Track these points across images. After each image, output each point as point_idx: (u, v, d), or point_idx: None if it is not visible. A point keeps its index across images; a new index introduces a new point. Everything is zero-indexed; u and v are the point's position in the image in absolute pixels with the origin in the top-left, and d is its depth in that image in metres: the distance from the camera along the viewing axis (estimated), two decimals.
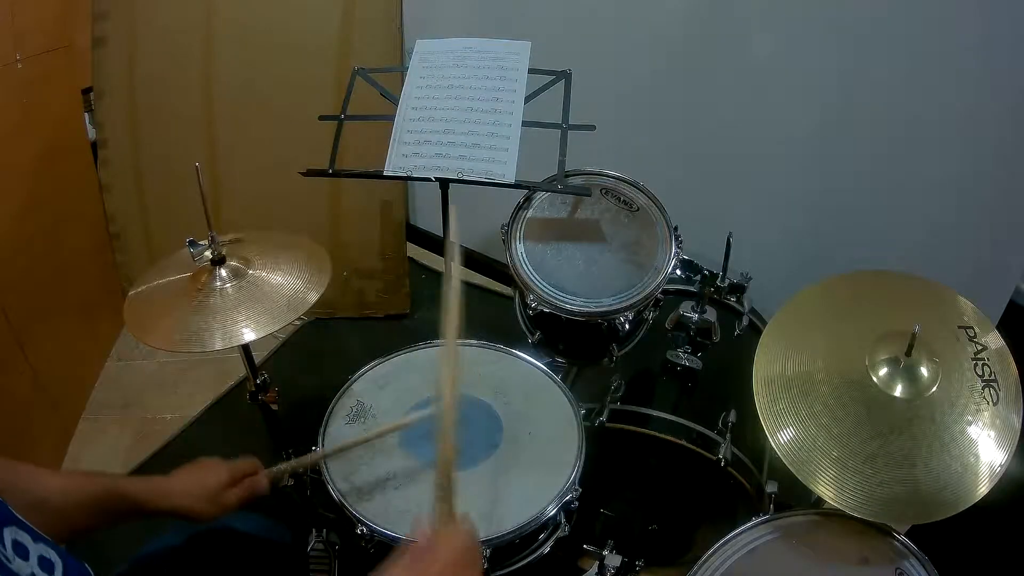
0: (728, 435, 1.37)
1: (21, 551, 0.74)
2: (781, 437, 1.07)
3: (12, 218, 1.91)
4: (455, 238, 1.12)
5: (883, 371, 1.08)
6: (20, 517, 0.77)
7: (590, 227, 1.48)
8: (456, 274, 0.91)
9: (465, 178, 1.43)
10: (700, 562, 1.08)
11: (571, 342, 1.49)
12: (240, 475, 1.10)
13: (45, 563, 0.77)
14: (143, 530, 1.15)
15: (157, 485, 1.04)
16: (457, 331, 0.88)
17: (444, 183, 1.50)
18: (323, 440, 1.24)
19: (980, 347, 1.10)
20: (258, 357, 1.47)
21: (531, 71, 1.50)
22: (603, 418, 1.40)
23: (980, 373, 1.08)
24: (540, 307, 1.39)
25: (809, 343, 1.14)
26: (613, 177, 1.52)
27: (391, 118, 1.50)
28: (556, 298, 1.38)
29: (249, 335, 1.19)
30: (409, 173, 1.45)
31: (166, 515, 1.02)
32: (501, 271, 1.52)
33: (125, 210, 2.34)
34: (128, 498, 0.99)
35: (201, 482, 1.05)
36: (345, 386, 1.34)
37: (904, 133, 1.64)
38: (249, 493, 1.11)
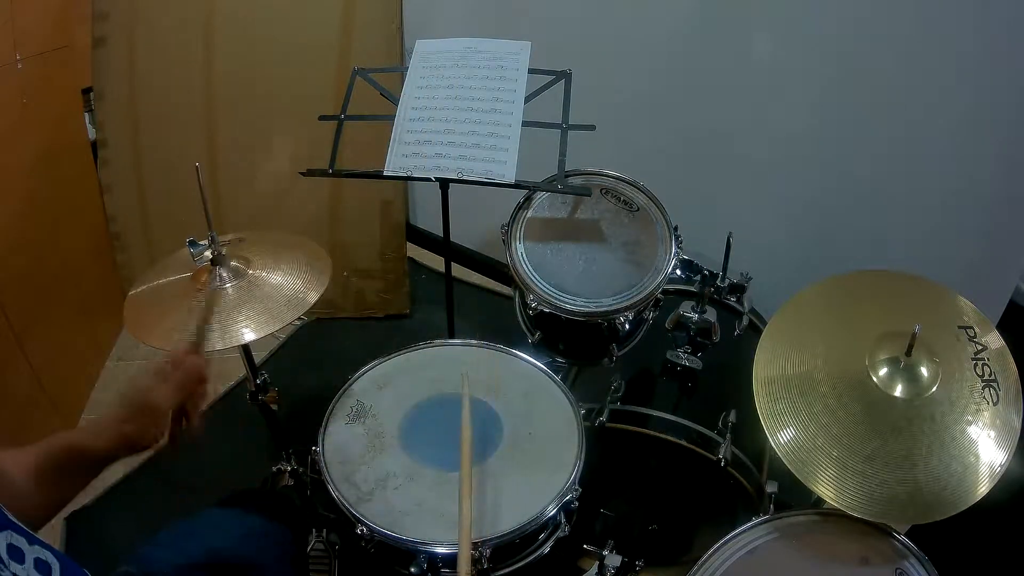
0: (728, 435, 1.37)
1: (16, 555, 0.74)
2: (781, 437, 1.07)
3: (12, 218, 1.91)
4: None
5: (883, 371, 1.08)
6: (15, 520, 0.76)
7: (590, 227, 1.48)
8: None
9: (465, 178, 1.43)
10: (700, 562, 1.08)
11: (571, 342, 1.49)
12: (164, 374, 0.99)
13: (41, 565, 0.77)
14: (143, 531, 1.15)
15: (91, 424, 0.96)
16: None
17: (444, 183, 1.50)
18: (323, 440, 1.23)
19: (980, 347, 1.10)
20: (258, 357, 1.47)
21: (531, 71, 1.50)
22: (603, 418, 1.40)
23: (980, 373, 1.07)
24: (540, 307, 1.39)
25: (809, 343, 1.14)
26: (613, 177, 1.52)
27: (391, 118, 1.50)
28: (556, 298, 1.38)
29: (249, 335, 1.19)
30: (409, 173, 1.45)
31: (113, 455, 0.94)
32: (501, 271, 1.52)
33: (125, 210, 2.34)
34: (77, 449, 0.92)
35: (127, 402, 0.96)
36: (345, 386, 1.34)
37: (904, 133, 1.64)
38: (182, 379, 0.99)
